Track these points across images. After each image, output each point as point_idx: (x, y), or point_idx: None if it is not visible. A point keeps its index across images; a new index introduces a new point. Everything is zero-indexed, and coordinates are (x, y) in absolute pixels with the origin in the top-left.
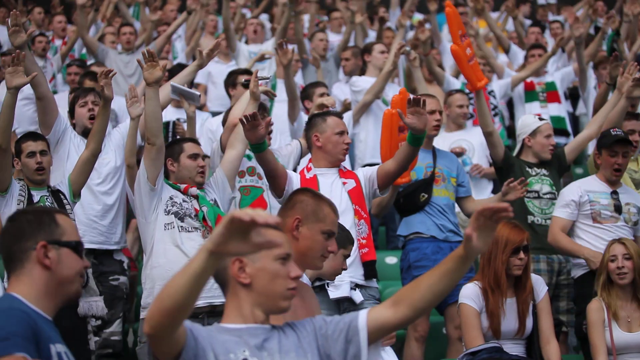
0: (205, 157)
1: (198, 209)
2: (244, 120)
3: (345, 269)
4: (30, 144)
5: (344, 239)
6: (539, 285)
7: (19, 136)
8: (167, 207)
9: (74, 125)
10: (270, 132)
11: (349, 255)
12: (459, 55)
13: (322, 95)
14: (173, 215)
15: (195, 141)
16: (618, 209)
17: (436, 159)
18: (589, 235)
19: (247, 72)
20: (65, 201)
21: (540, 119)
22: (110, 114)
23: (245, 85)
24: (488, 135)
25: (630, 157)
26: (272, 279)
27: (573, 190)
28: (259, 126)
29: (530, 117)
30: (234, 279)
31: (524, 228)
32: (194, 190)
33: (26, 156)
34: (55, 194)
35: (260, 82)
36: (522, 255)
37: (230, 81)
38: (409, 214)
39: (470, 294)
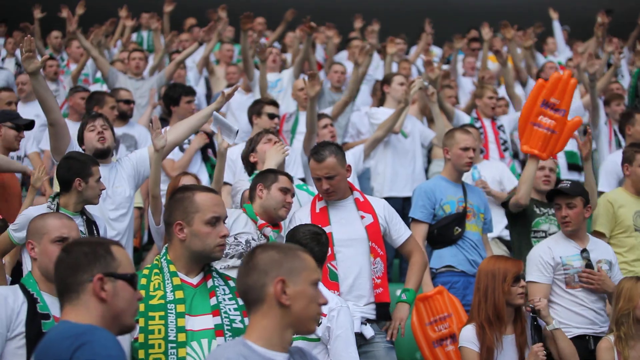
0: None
1: None
2: None
3: None
4: (100, 170)
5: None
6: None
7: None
8: (229, 248)
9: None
10: None
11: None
12: (523, 114)
13: (325, 127)
14: (236, 258)
15: (290, 176)
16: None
17: (466, 194)
18: (564, 300)
19: (273, 102)
20: (97, 235)
21: None
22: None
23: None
24: (518, 203)
25: (577, 207)
26: (309, 302)
27: (545, 252)
28: None
29: None
30: (275, 299)
31: None
32: (268, 230)
33: (96, 181)
34: (89, 224)
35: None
36: (522, 283)
37: (256, 110)
38: (442, 246)
39: (470, 336)
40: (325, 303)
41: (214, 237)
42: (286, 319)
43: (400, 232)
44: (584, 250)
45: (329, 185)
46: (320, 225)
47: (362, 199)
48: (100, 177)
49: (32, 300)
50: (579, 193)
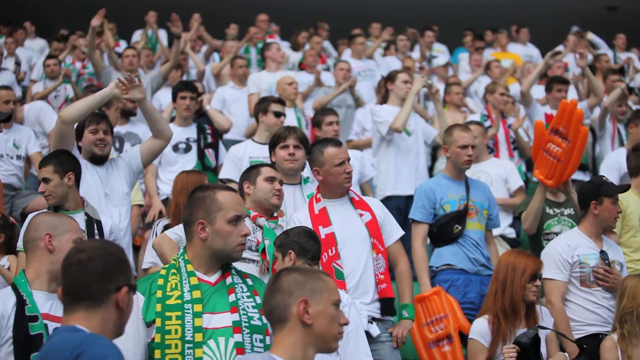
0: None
1: (260, 240)
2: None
3: None
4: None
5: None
6: (547, 316)
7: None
8: None
9: (79, 148)
10: None
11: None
12: (535, 141)
13: (330, 123)
14: None
15: (272, 166)
16: None
17: (469, 190)
18: (579, 298)
19: (280, 101)
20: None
21: None
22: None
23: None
24: (526, 232)
25: None
26: (330, 321)
27: (564, 249)
28: None
29: None
30: (298, 318)
31: None
32: (262, 220)
33: (41, 180)
34: (90, 222)
35: None
36: (538, 282)
37: (262, 108)
38: (442, 244)
39: (481, 329)
40: (347, 323)
41: (235, 236)
42: (308, 337)
43: (390, 234)
44: (602, 252)
45: (351, 167)
46: (321, 226)
47: (357, 198)
48: (43, 178)
49: (21, 303)
50: None
